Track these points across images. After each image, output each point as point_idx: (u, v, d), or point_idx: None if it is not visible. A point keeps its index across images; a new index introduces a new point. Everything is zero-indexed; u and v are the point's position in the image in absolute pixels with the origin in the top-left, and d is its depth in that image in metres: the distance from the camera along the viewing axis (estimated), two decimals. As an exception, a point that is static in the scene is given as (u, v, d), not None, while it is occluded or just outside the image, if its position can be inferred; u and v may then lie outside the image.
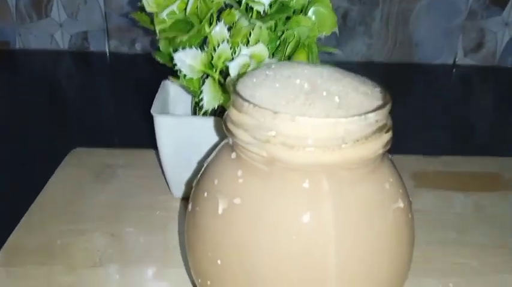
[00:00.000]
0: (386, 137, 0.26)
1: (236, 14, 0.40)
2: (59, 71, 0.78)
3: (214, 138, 0.39)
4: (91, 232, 0.40)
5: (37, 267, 0.36)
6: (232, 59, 0.38)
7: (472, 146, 0.59)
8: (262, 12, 0.40)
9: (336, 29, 0.42)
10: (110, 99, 0.70)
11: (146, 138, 0.46)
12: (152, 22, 0.41)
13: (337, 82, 0.27)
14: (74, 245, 0.39)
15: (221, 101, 0.39)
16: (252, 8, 0.40)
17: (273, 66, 0.28)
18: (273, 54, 0.40)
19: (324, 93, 0.26)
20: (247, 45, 0.39)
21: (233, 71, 0.37)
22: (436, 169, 0.51)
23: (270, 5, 0.40)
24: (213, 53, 0.39)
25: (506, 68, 0.81)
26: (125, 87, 0.72)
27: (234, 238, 0.26)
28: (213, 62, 0.39)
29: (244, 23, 0.39)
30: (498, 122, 0.67)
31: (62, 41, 0.80)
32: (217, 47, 0.38)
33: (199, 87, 0.40)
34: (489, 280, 0.37)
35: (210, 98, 0.39)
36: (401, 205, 0.27)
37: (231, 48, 0.38)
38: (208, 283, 0.28)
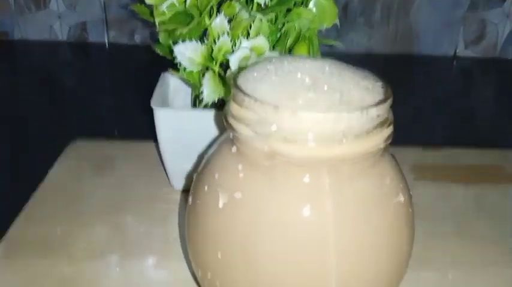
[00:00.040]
0: (388, 131, 0.26)
1: (236, 6, 0.39)
2: (57, 62, 0.77)
3: (215, 131, 0.39)
4: (91, 224, 0.40)
5: (37, 259, 0.37)
6: (233, 51, 0.38)
7: (473, 138, 0.58)
8: (262, 5, 0.40)
9: (337, 21, 0.41)
10: (109, 91, 0.70)
11: (146, 130, 0.46)
12: (152, 14, 0.40)
13: (339, 77, 0.27)
14: (74, 237, 0.39)
15: (221, 94, 0.39)
16: (252, 0, 0.40)
17: (273, 60, 0.28)
18: (273, 47, 0.40)
19: (325, 88, 0.26)
20: (247, 38, 0.38)
21: (233, 64, 0.37)
22: (436, 161, 0.50)
23: (271, -3, 0.39)
24: (213, 46, 0.38)
25: (507, 60, 0.81)
26: (124, 79, 0.72)
27: (234, 231, 0.26)
28: (213, 54, 0.38)
29: (244, 15, 0.39)
30: (499, 114, 0.67)
31: (61, 32, 0.79)
32: (218, 39, 0.38)
33: (200, 80, 0.40)
34: (488, 272, 0.37)
35: (210, 91, 0.38)
36: (401, 199, 0.27)
37: (231, 41, 0.38)
38: (209, 275, 0.28)
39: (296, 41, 0.40)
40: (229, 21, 0.39)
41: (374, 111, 0.25)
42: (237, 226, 0.26)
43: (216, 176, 0.27)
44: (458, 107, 0.67)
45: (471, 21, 0.79)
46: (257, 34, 0.38)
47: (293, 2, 0.40)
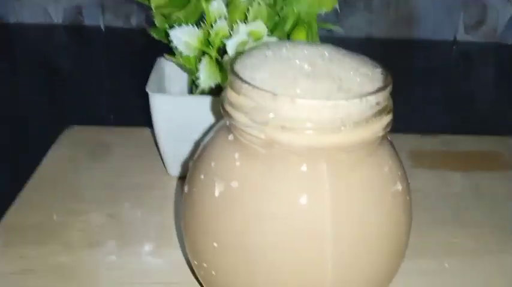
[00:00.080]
0: (387, 119, 0.25)
1: (234, -11, 0.39)
2: (53, 46, 0.76)
3: (211, 117, 0.39)
4: (87, 211, 0.40)
5: (33, 247, 0.36)
6: (230, 36, 0.37)
7: (472, 124, 0.58)
8: (260, -12, 0.39)
9: (337, 5, 0.41)
10: (104, 75, 0.69)
11: (142, 115, 0.45)
12: (148, -3, 0.40)
13: (338, 63, 0.26)
14: (71, 224, 0.39)
15: (218, 80, 0.38)
16: (250, -16, 0.39)
17: (272, 46, 0.27)
18: (271, 32, 0.39)
19: (324, 75, 0.25)
20: (245, 22, 0.38)
21: (231, 49, 0.36)
22: (435, 148, 0.50)
23: (269, -19, 0.39)
24: (210, 30, 0.38)
25: (507, 45, 0.80)
26: (120, 62, 0.72)
27: (230, 220, 0.26)
28: (210, 39, 0.38)
29: (242, -2, 0.38)
30: (498, 99, 0.67)
31: (56, 15, 0.78)
32: (215, 23, 0.37)
33: (196, 66, 0.39)
34: (485, 260, 0.37)
35: (207, 76, 0.38)
36: (399, 187, 0.27)
37: (228, 25, 0.37)
38: (205, 265, 0.28)
39: (295, 25, 0.39)
40: (227, 4, 0.39)
41: (373, 99, 0.24)
42: (233, 215, 0.26)
43: (213, 164, 0.27)
44: (457, 92, 0.67)
45: (471, 6, 0.78)
46: (255, 18, 0.38)
47: (292, -14, 0.39)
